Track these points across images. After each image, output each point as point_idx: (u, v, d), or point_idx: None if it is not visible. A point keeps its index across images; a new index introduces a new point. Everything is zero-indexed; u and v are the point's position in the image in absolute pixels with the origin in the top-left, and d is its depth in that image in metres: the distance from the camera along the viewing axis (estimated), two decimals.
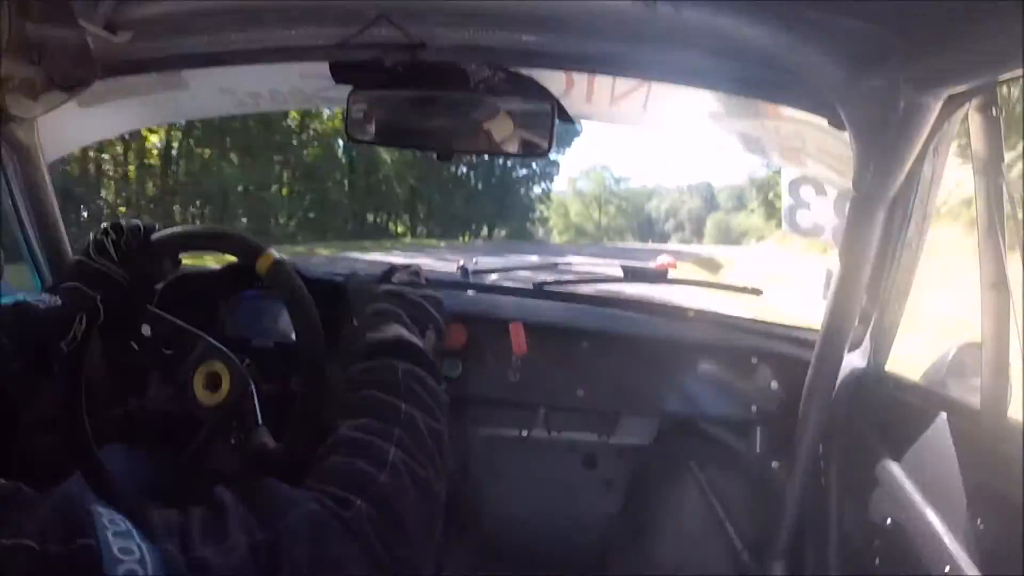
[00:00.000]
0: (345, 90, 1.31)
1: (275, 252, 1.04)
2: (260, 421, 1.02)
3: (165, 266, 1.12)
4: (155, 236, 1.07)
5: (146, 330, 1.07)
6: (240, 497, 0.60)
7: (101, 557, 0.47)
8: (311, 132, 21.98)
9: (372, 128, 1.34)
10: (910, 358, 1.37)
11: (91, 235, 1.04)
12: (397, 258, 11.27)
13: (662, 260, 1.82)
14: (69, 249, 1.45)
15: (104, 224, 1.05)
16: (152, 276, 1.11)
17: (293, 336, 1.09)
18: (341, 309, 1.16)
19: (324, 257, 14.28)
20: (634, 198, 75.61)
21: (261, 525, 0.57)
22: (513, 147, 1.33)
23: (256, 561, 0.55)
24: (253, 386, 1.03)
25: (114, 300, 1.02)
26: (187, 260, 1.22)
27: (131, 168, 17.22)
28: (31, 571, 0.45)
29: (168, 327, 1.07)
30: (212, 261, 1.55)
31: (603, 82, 1.41)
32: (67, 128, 1.48)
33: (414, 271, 1.04)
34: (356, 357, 0.84)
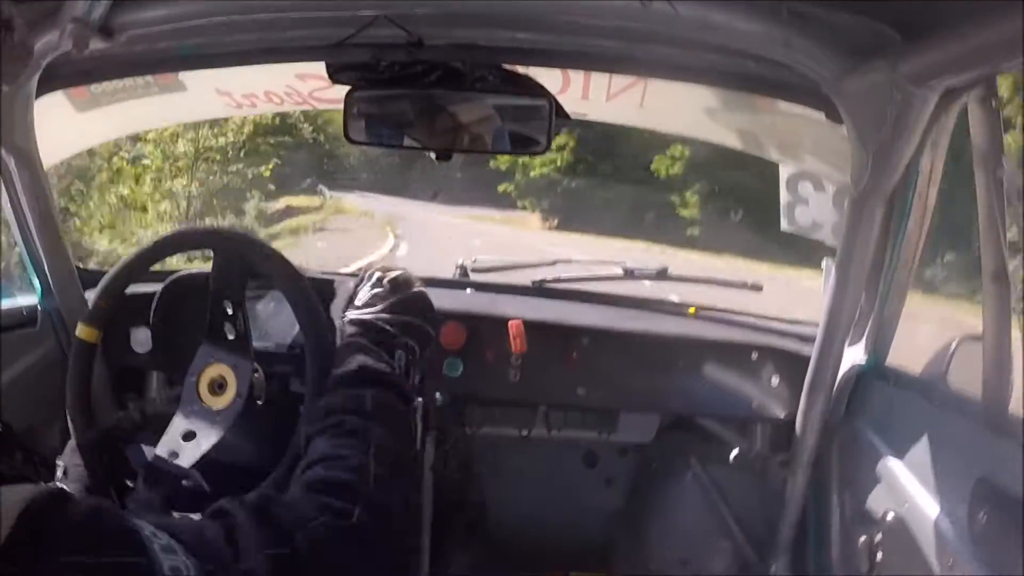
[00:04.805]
0: (341, 91, 1.31)
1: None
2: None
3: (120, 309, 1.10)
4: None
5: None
6: (248, 511, 0.63)
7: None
8: None
9: (370, 129, 1.34)
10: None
11: None
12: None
13: None
14: (70, 254, 1.44)
15: None
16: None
17: (294, 338, 1.08)
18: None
19: None
20: None
21: (279, 540, 0.61)
22: (511, 145, 1.33)
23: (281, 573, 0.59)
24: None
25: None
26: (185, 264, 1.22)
27: None
28: None
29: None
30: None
31: (599, 79, 1.41)
32: (65, 132, 1.48)
33: (377, 280, 0.99)
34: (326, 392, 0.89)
